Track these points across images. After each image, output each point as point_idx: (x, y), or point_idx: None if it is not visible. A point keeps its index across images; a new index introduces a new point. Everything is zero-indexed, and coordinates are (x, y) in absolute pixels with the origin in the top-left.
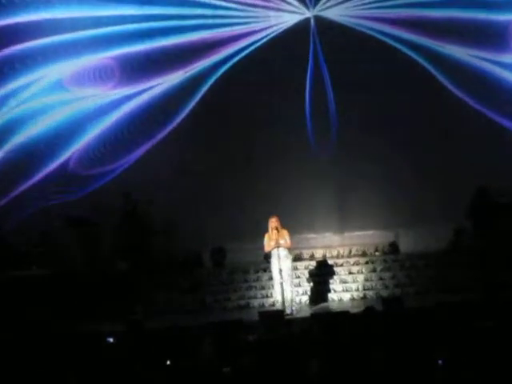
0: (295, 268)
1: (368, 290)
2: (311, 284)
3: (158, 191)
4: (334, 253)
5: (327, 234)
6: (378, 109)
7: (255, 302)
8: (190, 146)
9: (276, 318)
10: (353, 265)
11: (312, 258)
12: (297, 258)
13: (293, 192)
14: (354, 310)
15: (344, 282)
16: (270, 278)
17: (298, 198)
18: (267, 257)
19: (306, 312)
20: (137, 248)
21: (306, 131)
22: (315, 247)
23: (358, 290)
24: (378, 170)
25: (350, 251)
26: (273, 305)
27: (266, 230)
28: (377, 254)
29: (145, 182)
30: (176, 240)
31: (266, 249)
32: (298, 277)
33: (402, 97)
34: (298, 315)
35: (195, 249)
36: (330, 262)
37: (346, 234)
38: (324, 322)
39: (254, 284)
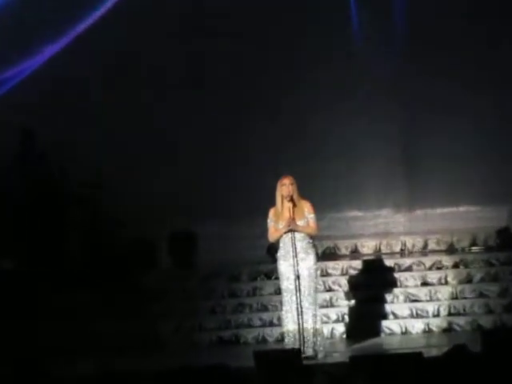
0: (324, 273)
1: (457, 315)
2: (352, 302)
3: (80, 129)
4: (396, 246)
5: (383, 213)
6: None
7: (249, 334)
8: (133, 48)
9: (286, 363)
10: (430, 269)
11: (355, 254)
12: (327, 255)
13: (323, 139)
14: (430, 352)
15: (413, 299)
16: (278, 291)
17: (331, 148)
18: (272, 250)
19: (343, 354)
20: (38, 229)
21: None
22: (361, 236)
23: (437, 314)
24: (466, 114)
25: (426, 244)
26: (281, 339)
27: (271, 203)
28: (474, 249)
29: (57, 109)
30: (108, 217)
31: (272, 235)
32: (329, 289)
33: None
34: (328, 359)
35: (144, 234)
36: (387, 262)
37: (419, 213)
38: (374, 371)
39: (247, 301)
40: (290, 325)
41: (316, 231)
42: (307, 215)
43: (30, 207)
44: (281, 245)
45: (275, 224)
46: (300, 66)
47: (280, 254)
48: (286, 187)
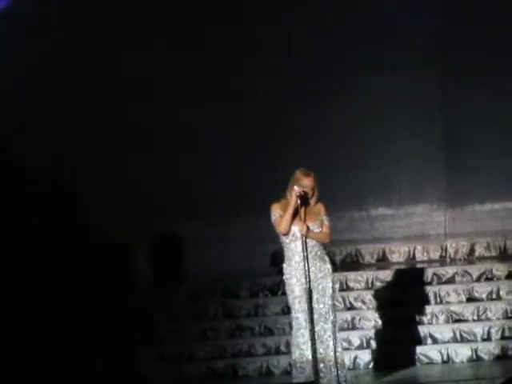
0: (344, 287)
1: None
2: (379, 323)
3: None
4: (435, 253)
5: (419, 210)
6: None
7: (250, 365)
8: None
9: None
10: (478, 280)
11: (383, 263)
12: (348, 264)
13: (340, 121)
14: None
15: (457, 319)
16: (285, 310)
17: (352, 132)
18: (278, 259)
19: None
20: None
21: None
22: (390, 239)
23: (488, 337)
24: None
25: (472, 249)
26: (290, 371)
27: (277, 198)
28: None
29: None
30: (73, 219)
31: (281, 225)
32: (351, 307)
33: None
34: None
35: (117, 239)
36: (423, 272)
37: (464, 210)
38: None
39: (247, 323)
40: (304, 350)
41: (328, 237)
42: (323, 217)
43: None
44: (288, 252)
45: (282, 220)
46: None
47: (288, 263)
48: (303, 187)
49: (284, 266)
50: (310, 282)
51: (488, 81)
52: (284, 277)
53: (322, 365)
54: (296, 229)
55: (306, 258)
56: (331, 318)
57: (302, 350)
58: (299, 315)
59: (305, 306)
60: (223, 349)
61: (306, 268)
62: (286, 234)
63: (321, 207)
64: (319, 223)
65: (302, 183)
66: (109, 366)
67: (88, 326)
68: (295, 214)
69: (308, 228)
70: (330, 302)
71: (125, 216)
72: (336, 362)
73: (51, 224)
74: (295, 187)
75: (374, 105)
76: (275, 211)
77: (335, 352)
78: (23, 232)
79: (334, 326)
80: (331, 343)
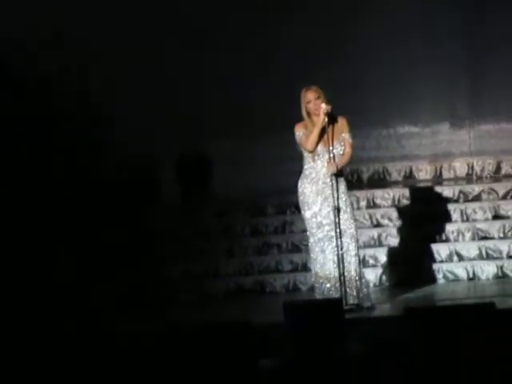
0: (371, 204)
1: None
2: (406, 240)
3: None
4: (461, 170)
5: (445, 128)
6: None
7: (277, 281)
8: None
9: (324, 315)
10: (504, 198)
11: (409, 180)
12: (375, 181)
13: (366, 38)
14: (505, 302)
15: (483, 236)
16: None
17: (378, 49)
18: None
19: (394, 305)
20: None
21: None
22: (417, 157)
23: None
24: None
25: (499, 166)
26: (312, 289)
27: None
28: None
29: None
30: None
31: (308, 143)
32: (377, 224)
33: None
34: (375, 312)
35: (142, 159)
36: (449, 190)
37: (491, 127)
38: (434, 326)
39: (274, 240)
40: (328, 267)
41: (350, 157)
42: (344, 135)
43: None
44: (307, 170)
45: (309, 139)
46: None
47: (304, 180)
48: (312, 104)
49: (299, 183)
50: (338, 199)
51: None
52: (299, 193)
53: (348, 280)
54: (320, 148)
55: (329, 175)
56: (354, 233)
57: (323, 265)
58: (317, 231)
59: (325, 222)
60: (250, 265)
61: (335, 186)
62: (312, 151)
63: (343, 122)
64: (342, 141)
65: (307, 99)
66: (135, 284)
67: (114, 245)
68: (322, 132)
69: (335, 163)
70: (351, 219)
71: (152, 134)
72: (360, 279)
73: (78, 142)
74: (323, 105)
75: (401, 26)
76: (299, 131)
77: (360, 269)
78: (50, 149)
79: (357, 242)
80: (354, 259)
